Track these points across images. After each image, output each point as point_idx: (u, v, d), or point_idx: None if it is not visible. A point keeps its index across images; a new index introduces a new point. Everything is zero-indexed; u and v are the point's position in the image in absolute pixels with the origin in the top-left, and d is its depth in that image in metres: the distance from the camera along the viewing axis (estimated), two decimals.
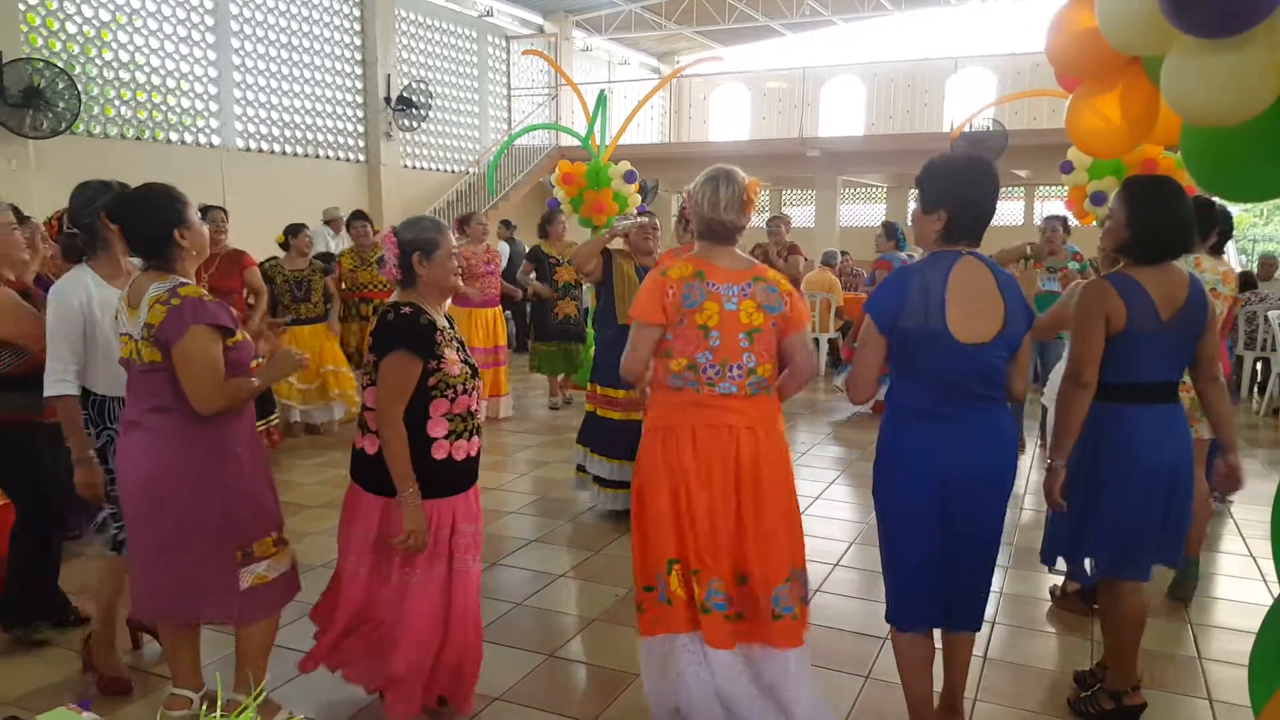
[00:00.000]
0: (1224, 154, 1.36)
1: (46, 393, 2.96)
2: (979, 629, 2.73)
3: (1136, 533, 2.85)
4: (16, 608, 3.49)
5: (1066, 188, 8.69)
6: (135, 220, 2.67)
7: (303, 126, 12.98)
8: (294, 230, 6.94)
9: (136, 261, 3.22)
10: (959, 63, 17.52)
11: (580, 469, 5.23)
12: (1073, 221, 9.85)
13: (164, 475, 2.59)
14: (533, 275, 7.96)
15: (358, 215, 7.95)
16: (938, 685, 2.82)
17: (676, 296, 2.62)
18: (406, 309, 2.61)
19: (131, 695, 3.13)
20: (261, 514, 2.73)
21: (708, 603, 2.64)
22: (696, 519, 2.63)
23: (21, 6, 9.66)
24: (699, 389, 2.64)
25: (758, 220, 4.80)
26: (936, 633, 2.76)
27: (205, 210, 5.40)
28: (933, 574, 2.58)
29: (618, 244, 5.07)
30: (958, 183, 2.51)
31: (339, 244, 9.77)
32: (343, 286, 7.55)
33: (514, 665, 3.37)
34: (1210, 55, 1.18)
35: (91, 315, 2.98)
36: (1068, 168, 8.17)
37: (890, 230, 8.38)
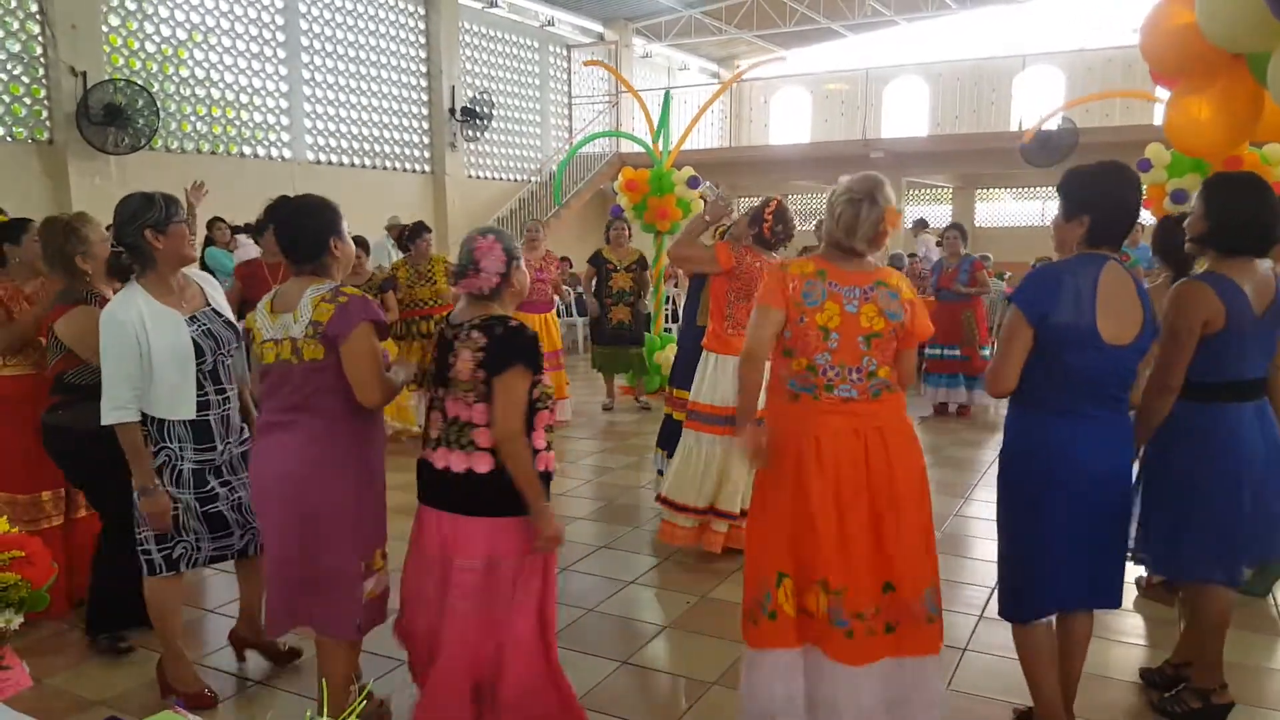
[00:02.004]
0: None
1: (104, 421, 2.87)
2: (1117, 606, 2.78)
3: (1236, 534, 2.83)
4: (102, 617, 3.53)
5: (1145, 185, 8.45)
6: (294, 228, 2.75)
7: (370, 139, 13.24)
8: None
9: (194, 273, 3.20)
10: (1026, 60, 17.16)
11: (661, 474, 5.21)
12: (1151, 220, 9.56)
13: (304, 475, 2.65)
14: (594, 281, 8.21)
15: (422, 227, 7.40)
16: None
17: (797, 292, 2.58)
18: (514, 323, 2.52)
19: (216, 708, 3.15)
20: (380, 525, 2.79)
21: (833, 617, 2.58)
22: (819, 530, 2.57)
23: (104, 28, 10.03)
24: (817, 395, 2.59)
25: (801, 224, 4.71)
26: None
27: None
28: (1068, 559, 2.62)
29: (707, 239, 4.99)
30: (1098, 189, 2.56)
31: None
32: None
33: (588, 671, 3.36)
34: None
35: (145, 336, 2.88)
36: (1145, 166, 7.94)
37: (963, 232, 8.30)
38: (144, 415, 2.94)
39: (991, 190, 19.60)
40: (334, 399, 2.65)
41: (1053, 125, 13.50)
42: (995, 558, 2.83)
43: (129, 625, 3.54)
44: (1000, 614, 2.78)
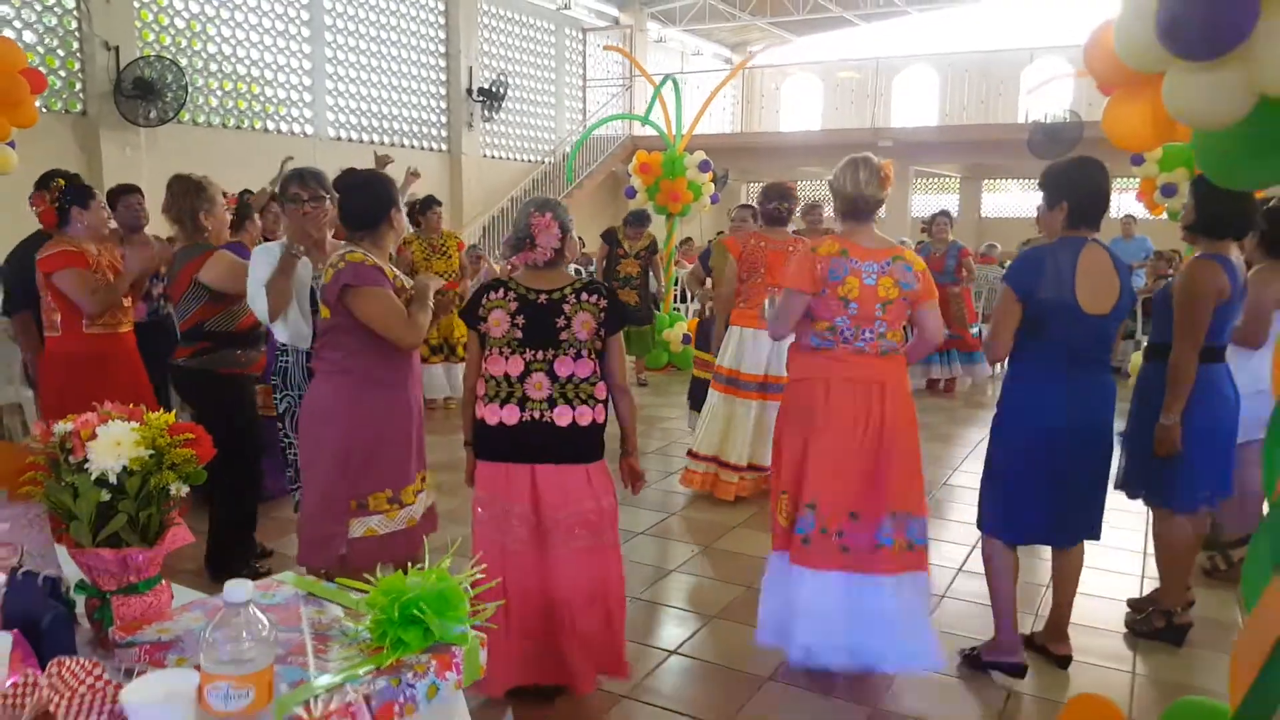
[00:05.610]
0: (1222, 149, 1.64)
1: (267, 320, 3.36)
2: (1098, 538, 3.19)
3: (1216, 470, 3.32)
4: (225, 557, 3.82)
5: (1138, 179, 8.75)
6: (349, 199, 2.97)
7: (390, 117, 13.54)
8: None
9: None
10: (1034, 53, 17.37)
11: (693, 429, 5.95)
12: (1143, 213, 9.86)
13: (306, 416, 2.99)
14: (604, 257, 8.51)
15: (431, 200, 7.26)
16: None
17: (824, 270, 2.99)
18: (608, 285, 2.81)
19: None
20: (380, 469, 2.93)
21: (808, 533, 2.99)
22: (816, 460, 2.98)
23: (136, 3, 10.31)
24: (835, 347, 3.02)
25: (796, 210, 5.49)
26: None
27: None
28: (1048, 501, 3.05)
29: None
30: (1073, 177, 3.00)
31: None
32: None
33: None
34: (1198, 74, 1.45)
35: (257, 284, 3.29)
36: (1139, 160, 8.24)
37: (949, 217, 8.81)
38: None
39: (998, 181, 19.84)
40: (333, 350, 2.92)
41: (1059, 116, 13.77)
42: (974, 521, 3.24)
43: (247, 560, 3.88)
44: (978, 525, 3.24)
